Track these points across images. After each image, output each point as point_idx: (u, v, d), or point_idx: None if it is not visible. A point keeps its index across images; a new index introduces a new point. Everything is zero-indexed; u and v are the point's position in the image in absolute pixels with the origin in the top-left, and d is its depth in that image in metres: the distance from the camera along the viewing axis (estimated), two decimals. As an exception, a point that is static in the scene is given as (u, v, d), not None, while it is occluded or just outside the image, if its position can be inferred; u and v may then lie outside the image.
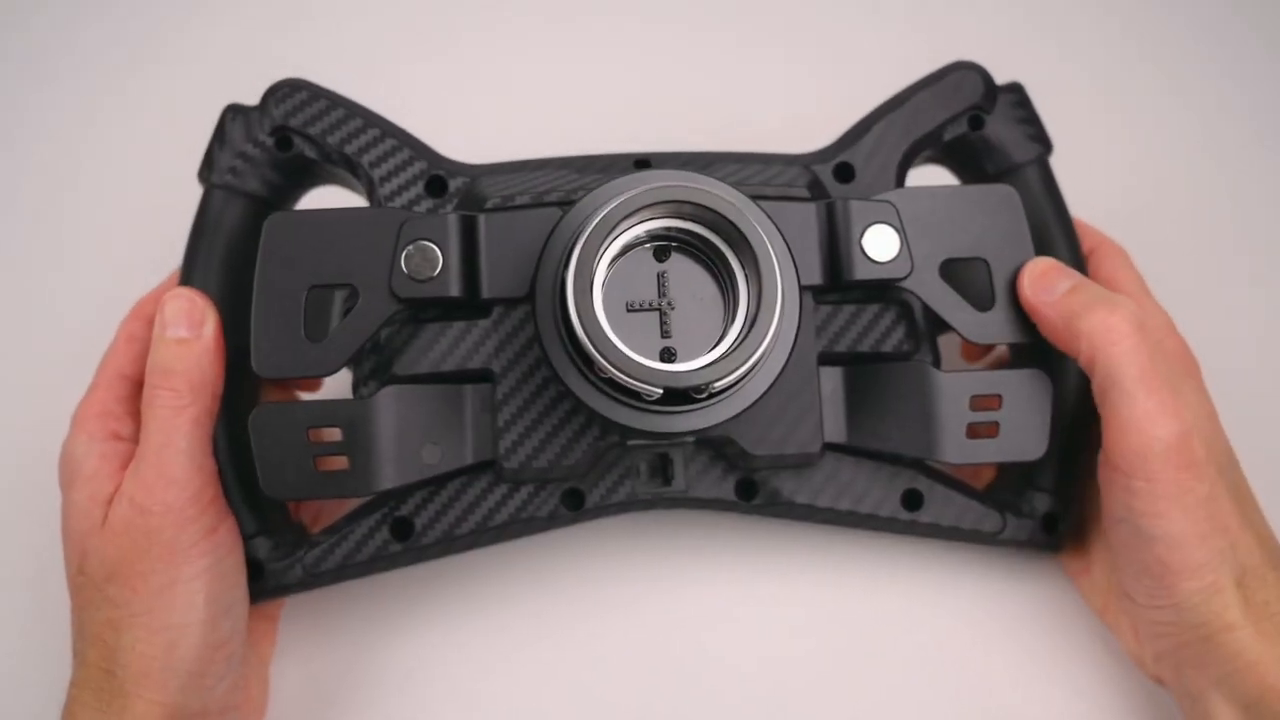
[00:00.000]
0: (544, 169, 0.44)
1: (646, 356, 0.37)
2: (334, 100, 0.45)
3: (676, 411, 0.39)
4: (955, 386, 0.43)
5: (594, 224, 0.37)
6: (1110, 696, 0.47)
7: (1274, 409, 0.51)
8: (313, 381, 0.50)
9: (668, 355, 0.39)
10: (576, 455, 0.42)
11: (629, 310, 0.39)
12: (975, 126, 0.47)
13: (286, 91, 0.45)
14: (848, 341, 0.43)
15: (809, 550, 0.49)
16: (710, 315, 0.40)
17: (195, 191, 0.46)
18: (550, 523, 0.43)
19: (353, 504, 0.45)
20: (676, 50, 0.63)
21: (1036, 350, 0.45)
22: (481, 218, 0.42)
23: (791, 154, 0.46)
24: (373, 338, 0.41)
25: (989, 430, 0.43)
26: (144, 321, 0.44)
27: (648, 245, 0.40)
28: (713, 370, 0.37)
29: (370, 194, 0.45)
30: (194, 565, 0.39)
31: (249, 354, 0.41)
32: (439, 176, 0.44)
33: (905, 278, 0.42)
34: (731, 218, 0.38)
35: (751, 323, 0.38)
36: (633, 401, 0.39)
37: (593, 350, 0.37)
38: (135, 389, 0.44)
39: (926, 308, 0.44)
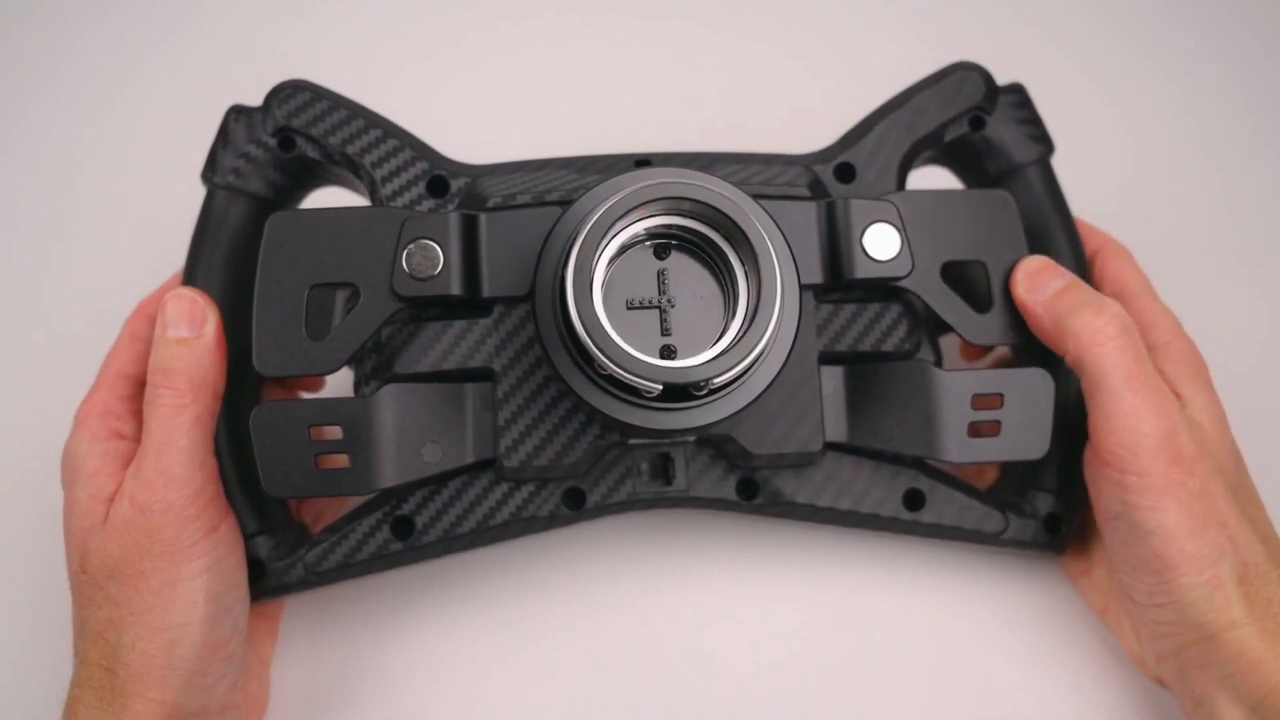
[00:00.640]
0: (545, 169, 0.44)
1: (646, 354, 0.37)
2: (336, 101, 0.45)
3: (677, 408, 0.39)
4: (957, 385, 0.43)
5: (593, 220, 0.37)
6: (1111, 698, 0.47)
7: (1275, 408, 0.51)
8: (314, 381, 0.50)
9: (668, 352, 0.39)
10: (577, 454, 0.42)
11: (629, 308, 0.39)
12: (976, 127, 0.47)
13: (289, 92, 0.45)
14: (849, 340, 0.43)
15: (809, 551, 0.49)
16: (710, 313, 0.40)
17: (198, 191, 0.46)
18: (551, 522, 0.43)
19: (353, 504, 0.45)
20: (677, 51, 0.63)
21: (1037, 351, 0.45)
22: (482, 217, 0.42)
23: (792, 154, 0.46)
24: (374, 336, 0.41)
25: (990, 429, 0.43)
26: (146, 321, 0.45)
27: (647, 243, 0.40)
28: (713, 366, 0.37)
29: (372, 194, 0.45)
30: (195, 564, 0.39)
31: (251, 353, 0.41)
32: (440, 177, 0.44)
33: (906, 276, 0.42)
34: (731, 214, 0.38)
35: (751, 319, 0.38)
36: (633, 398, 0.39)
37: (592, 347, 0.37)
38: (137, 388, 0.44)
39: (927, 308, 0.44)
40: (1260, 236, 0.58)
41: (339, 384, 0.51)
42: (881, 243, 0.42)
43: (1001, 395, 0.43)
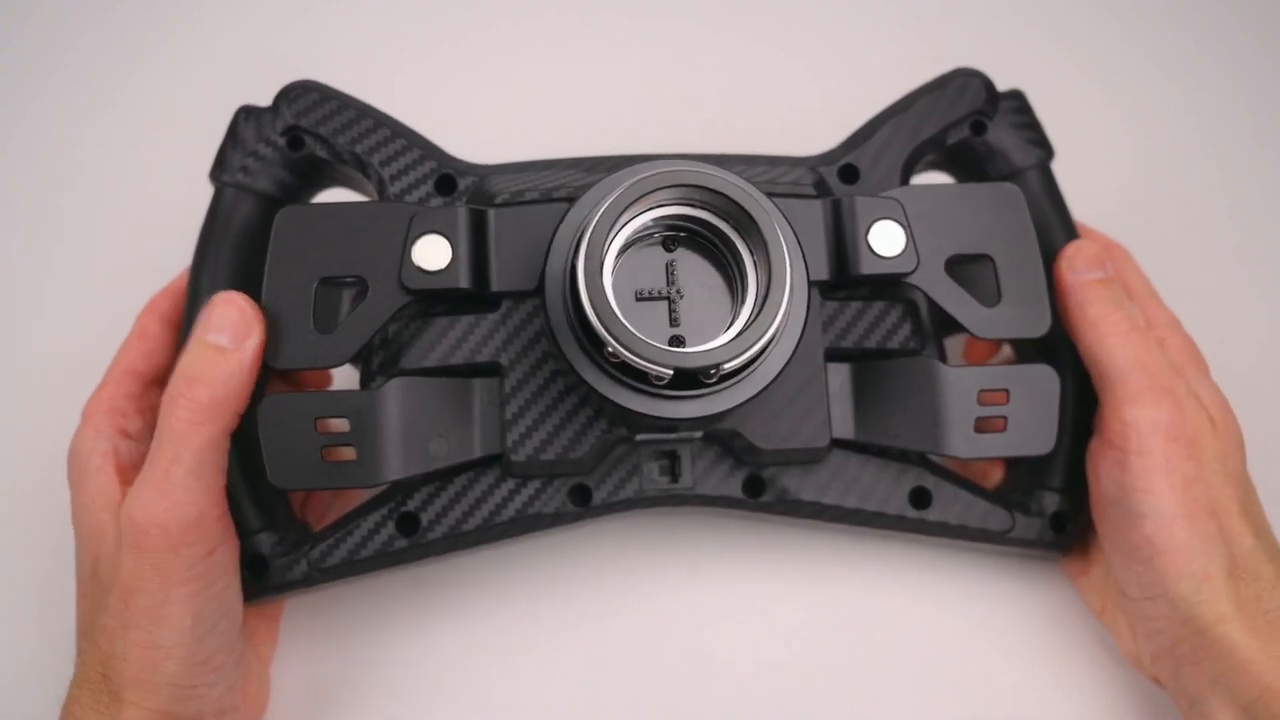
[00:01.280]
0: (552, 168, 0.44)
1: (655, 342, 0.37)
2: (345, 101, 0.46)
3: (685, 396, 0.39)
4: (962, 381, 0.43)
5: (605, 206, 0.37)
6: (1110, 698, 0.47)
7: (1274, 408, 0.51)
8: (320, 376, 0.50)
9: (676, 343, 0.39)
10: (584, 448, 0.42)
11: (638, 299, 0.39)
12: (977, 131, 0.48)
13: (298, 92, 0.45)
14: (854, 337, 0.43)
15: (810, 552, 0.49)
16: (718, 304, 0.40)
17: (200, 191, 0.46)
18: (556, 519, 0.43)
19: (357, 503, 0.45)
20: (677, 51, 0.63)
21: (1043, 348, 0.45)
22: (491, 212, 0.42)
23: (797, 156, 0.46)
24: (382, 330, 0.42)
25: (996, 425, 0.43)
26: (156, 317, 0.44)
27: (656, 236, 0.40)
28: (723, 351, 0.37)
29: (380, 193, 0.45)
30: (185, 588, 0.39)
31: None
32: (448, 175, 0.45)
33: (911, 273, 0.42)
34: (741, 202, 0.38)
35: (761, 305, 0.37)
36: (642, 386, 0.38)
37: (604, 332, 0.37)
38: (145, 385, 0.44)
39: (932, 306, 0.44)
40: (1260, 236, 0.58)
41: (346, 382, 0.51)
42: (887, 239, 0.42)
43: (1007, 391, 0.43)
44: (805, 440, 0.42)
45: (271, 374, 0.44)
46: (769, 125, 0.60)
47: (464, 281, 0.41)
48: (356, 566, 0.43)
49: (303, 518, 0.47)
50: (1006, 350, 0.52)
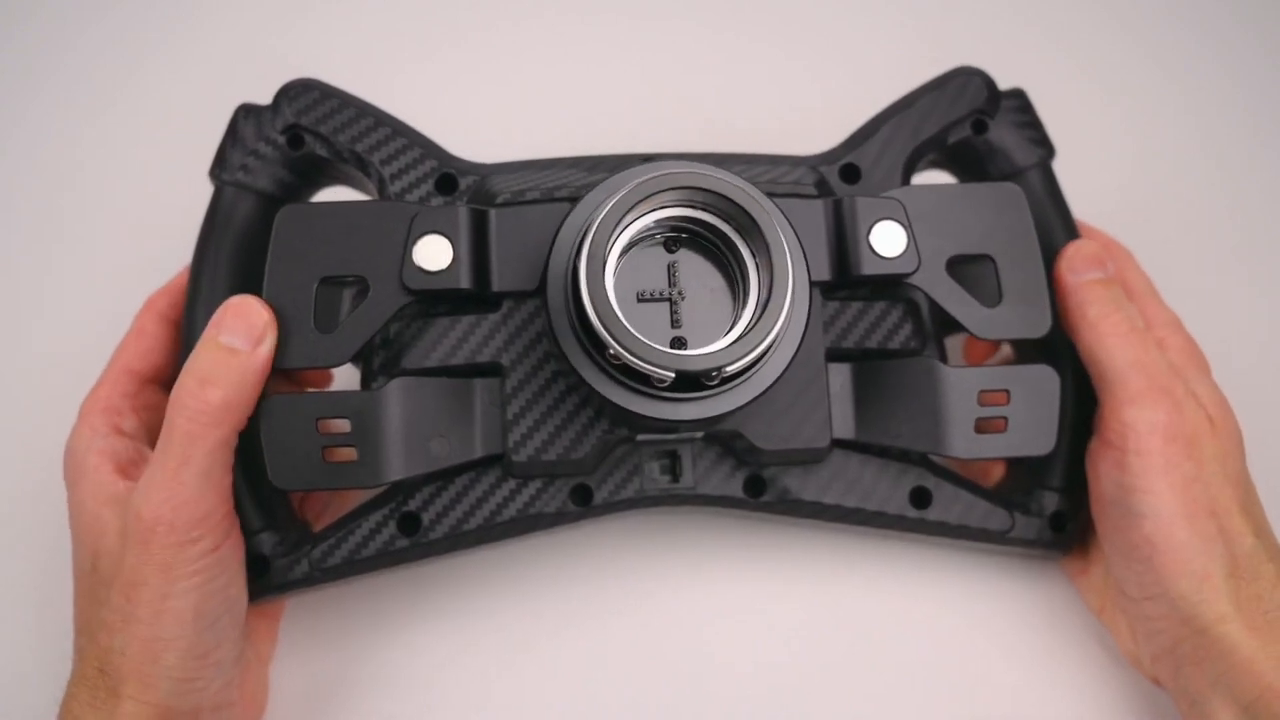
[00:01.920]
0: (553, 167, 0.44)
1: (657, 344, 0.37)
2: (345, 100, 0.45)
3: (686, 398, 0.39)
4: (963, 381, 0.43)
5: (608, 208, 0.37)
6: (1110, 698, 0.47)
7: (1275, 408, 0.51)
8: (321, 376, 0.50)
9: (678, 345, 0.39)
10: (585, 449, 0.42)
11: (639, 300, 0.39)
12: (979, 131, 0.48)
13: (298, 91, 0.45)
14: (855, 337, 0.44)
15: (809, 552, 0.49)
16: (719, 306, 0.40)
17: (199, 190, 0.46)
18: (558, 519, 0.43)
19: (357, 503, 0.45)
20: (677, 51, 0.63)
21: (1043, 348, 0.45)
22: (492, 212, 0.42)
23: (798, 156, 0.46)
24: (383, 329, 0.42)
25: (997, 425, 0.43)
26: (154, 315, 0.45)
27: (658, 237, 0.40)
28: (725, 354, 0.37)
29: (381, 192, 0.45)
30: (188, 582, 0.39)
31: None
32: (449, 174, 0.45)
33: (913, 273, 0.42)
34: (744, 204, 0.38)
35: (763, 308, 0.37)
36: (644, 388, 0.38)
37: (605, 334, 0.37)
38: (141, 384, 0.44)
39: (933, 306, 0.44)
40: (1260, 236, 0.58)
41: (346, 381, 0.51)
42: (888, 240, 0.42)
43: (1008, 391, 0.43)
44: (806, 441, 0.42)
45: (273, 373, 0.44)
46: (769, 125, 0.60)
47: (465, 282, 0.41)
48: (358, 566, 0.43)
49: (301, 515, 0.47)
50: (1006, 349, 0.52)
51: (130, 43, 0.62)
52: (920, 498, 0.45)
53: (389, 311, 0.41)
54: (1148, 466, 0.41)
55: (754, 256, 0.39)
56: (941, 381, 0.43)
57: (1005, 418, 0.43)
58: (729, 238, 0.39)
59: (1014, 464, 0.48)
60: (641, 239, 0.40)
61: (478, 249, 0.41)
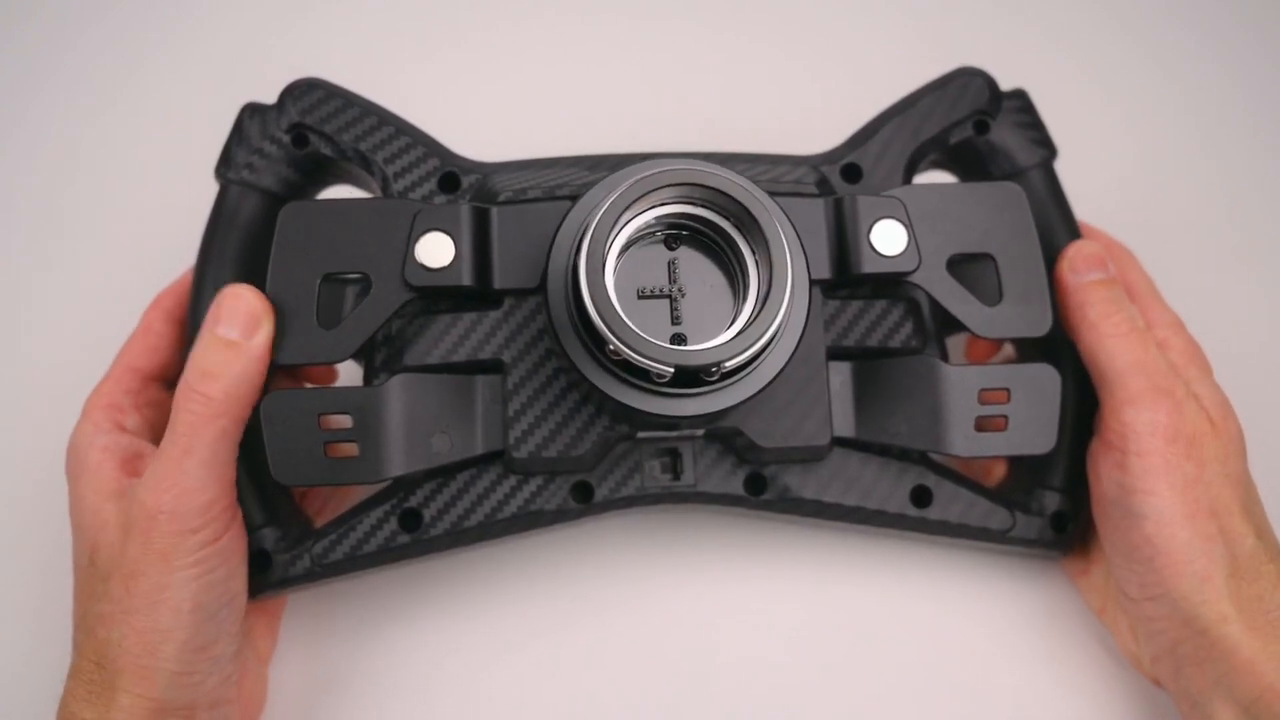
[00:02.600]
0: (555, 166, 0.44)
1: (656, 340, 0.37)
2: (349, 99, 0.46)
3: (687, 394, 0.39)
4: (963, 380, 0.43)
5: (608, 204, 0.38)
6: (1110, 698, 0.47)
7: (1275, 408, 0.51)
8: (325, 373, 0.50)
9: (678, 341, 0.39)
10: (586, 445, 0.42)
11: (640, 297, 0.39)
12: (981, 131, 0.48)
13: (303, 90, 0.46)
14: (856, 336, 0.44)
15: (810, 552, 0.49)
16: (719, 303, 0.40)
17: (199, 189, 0.46)
18: (558, 516, 0.43)
19: (356, 496, 0.45)
20: (677, 51, 0.63)
21: (1044, 348, 0.45)
22: (494, 210, 0.42)
23: (800, 155, 0.46)
24: (385, 326, 0.42)
25: (997, 424, 0.43)
26: (161, 314, 0.45)
27: (658, 234, 0.40)
28: (725, 349, 0.37)
29: (384, 190, 0.45)
30: (187, 572, 0.39)
31: None
32: (452, 173, 0.45)
33: (913, 272, 0.42)
34: (743, 200, 0.38)
35: (762, 304, 0.38)
36: (644, 384, 0.39)
37: (604, 328, 0.37)
38: (145, 382, 0.44)
39: (934, 305, 0.44)
40: (1260, 236, 0.58)
41: (349, 379, 0.51)
42: (889, 238, 0.42)
43: (1008, 390, 0.43)
44: (806, 438, 0.42)
45: (277, 370, 0.44)
46: (769, 125, 0.60)
47: (467, 279, 0.41)
48: (359, 562, 0.43)
49: (303, 512, 0.47)
50: (1008, 349, 0.52)
51: (130, 43, 0.62)
52: (921, 496, 0.45)
53: (391, 308, 0.41)
54: (1148, 467, 0.41)
55: (753, 253, 0.39)
56: (942, 380, 0.43)
57: (1005, 416, 0.43)
58: (728, 234, 0.39)
59: (1015, 464, 0.48)
60: (642, 237, 0.40)
61: (479, 246, 0.42)
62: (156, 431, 0.43)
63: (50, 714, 0.40)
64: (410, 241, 0.41)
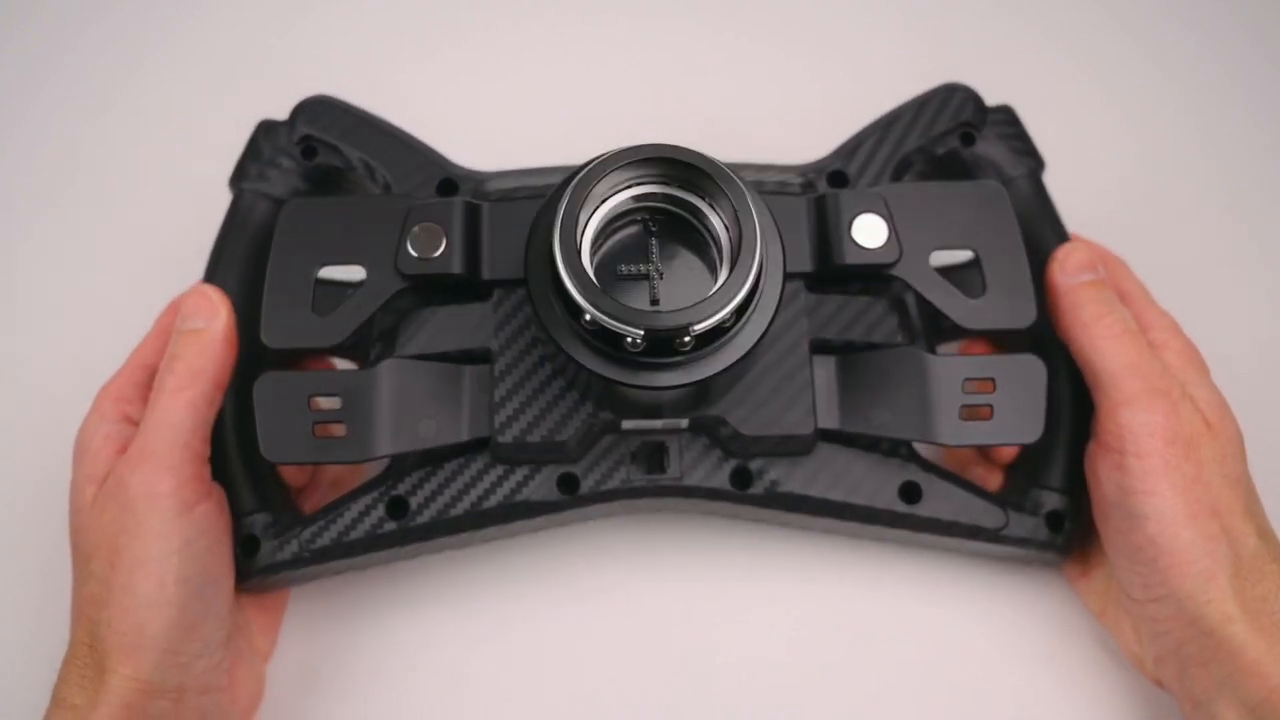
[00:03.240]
0: (549, 173, 0.46)
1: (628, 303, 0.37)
2: (356, 115, 0.49)
3: (663, 364, 0.39)
4: (948, 369, 0.43)
5: (578, 178, 0.38)
6: (1111, 700, 0.47)
7: (1274, 408, 0.51)
8: (324, 366, 0.50)
9: None
10: (570, 431, 0.42)
11: (619, 277, 0.40)
12: (967, 143, 0.48)
13: (313, 106, 0.49)
14: (839, 328, 0.44)
15: (808, 553, 0.49)
16: (698, 282, 0.40)
17: (199, 189, 0.48)
18: (544, 507, 0.43)
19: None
20: (677, 52, 0.63)
21: (1033, 347, 0.45)
22: (485, 206, 0.44)
23: (786, 164, 0.47)
24: (379, 319, 0.43)
25: (983, 413, 0.43)
26: (176, 316, 0.46)
27: (638, 218, 0.40)
28: (694, 311, 0.37)
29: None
30: (166, 544, 0.40)
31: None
32: (449, 180, 0.47)
33: (894, 264, 0.43)
34: (705, 168, 0.38)
35: (731, 268, 0.38)
36: (619, 353, 0.38)
37: (577, 293, 0.36)
38: (154, 378, 0.44)
39: (919, 301, 0.44)
40: (1260, 236, 0.58)
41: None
42: (869, 231, 0.43)
43: (993, 380, 0.43)
44: (790, 427, 0.43)
45: (274, 359, 0.45)
46: (769, 126, 0.60)
47: (457, 267, 0.42)
48: (345, 549, 0.43)
49: (298, 504, 0.47)
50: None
51: (130, 43, 0.62)
52: (910, 492, 0.44)
53: (383, 296, 0.43)
54: (1148, 469, 0.41)
55: (727, 230, 0.39)
56: (927, 369, 0.43)
57: (991, 405, 0.43)
58: (702, 212, 0.40)
59: (1013, 469, 0.48)
60: (621, 219, 0.40)
61: (470, 239, 0.43)
62: None
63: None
64: (403, 233, 0.43)
